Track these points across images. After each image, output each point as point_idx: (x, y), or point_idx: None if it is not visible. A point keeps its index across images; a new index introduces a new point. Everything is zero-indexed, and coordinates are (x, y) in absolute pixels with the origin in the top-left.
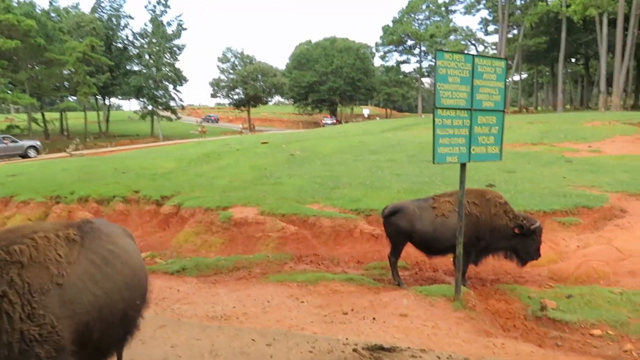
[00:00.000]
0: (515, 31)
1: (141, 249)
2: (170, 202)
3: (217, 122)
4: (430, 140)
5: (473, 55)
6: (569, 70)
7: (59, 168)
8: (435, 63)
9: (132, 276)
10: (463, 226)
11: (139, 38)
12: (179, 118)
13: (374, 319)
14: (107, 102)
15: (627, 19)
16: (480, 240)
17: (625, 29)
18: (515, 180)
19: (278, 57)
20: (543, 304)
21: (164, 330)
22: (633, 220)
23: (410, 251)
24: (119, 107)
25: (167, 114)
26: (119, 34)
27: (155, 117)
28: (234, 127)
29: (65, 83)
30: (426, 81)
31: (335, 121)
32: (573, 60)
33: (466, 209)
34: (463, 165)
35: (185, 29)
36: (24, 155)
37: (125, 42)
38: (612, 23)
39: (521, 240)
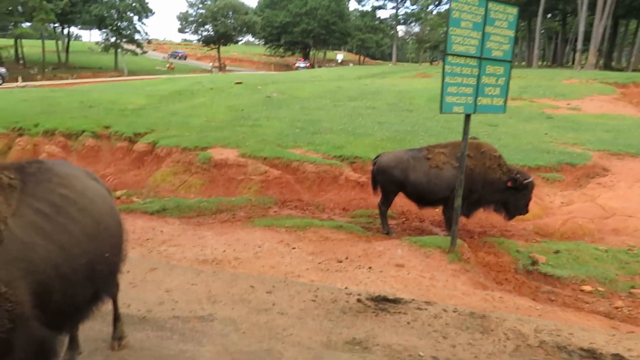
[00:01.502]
0: None
1: (115, 187)
2: (145, 139)
3: (184, 59)
4: (408, 89)
5: None
6: (544, 27)
7: (18, 98)
8: (449, 5)
9: (94, 225)
10: (463, 179)
11: None
12: (144, 52)
13: (370, 268)
14: (65, 31)
15: None
16: (473, 192)
17: None
18: (499, 135)
19: None
20: (534, 259)
21: (156, 274)
22: (615, 179)
23: (396, 201)
24: (78, 38)
25: (132, 47)
26: None
27: (119, 50)
28: (203, 65)
29: (19, 7)
30: (401, 29)
31: (308, 65)
32: (549, 15)
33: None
34: (468, 117)
35: None
36: None
37: None
38: None
39: (512, 195)
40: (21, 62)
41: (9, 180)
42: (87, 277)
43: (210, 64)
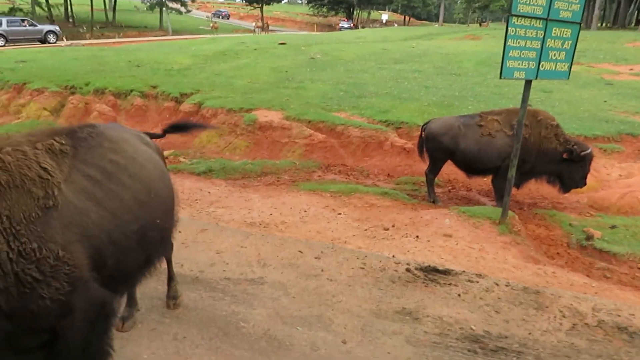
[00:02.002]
0: None
1: (162, 147)
2: (190, 100)
3: (227, 18)
4: (455, 51)
5: None
6: None
7: (69, 57)
8: None
9: (145, 191)
10: (519, 148)
11: None
12: (188, 11)
13: (417, 237)
14: None
15: None
16: (526, 163)
17: None
18: (553, 102)
19: None
20: (588, 233)
21: (206, 235)
22: None
23: (442, 168)
24: None
25: (177, 6)
26: None
27: (163, 8)
28: (245, 25)
29: None
30: None
31: (352, 25)
32: None
33: (514, 129)
34: (528, 83)
35: None
36: (43, 40)
37: None
38: None
39: (568, 166)
40: (71, 20)
41: (60, 146)
42: (138, 244)
43: (253, 23)
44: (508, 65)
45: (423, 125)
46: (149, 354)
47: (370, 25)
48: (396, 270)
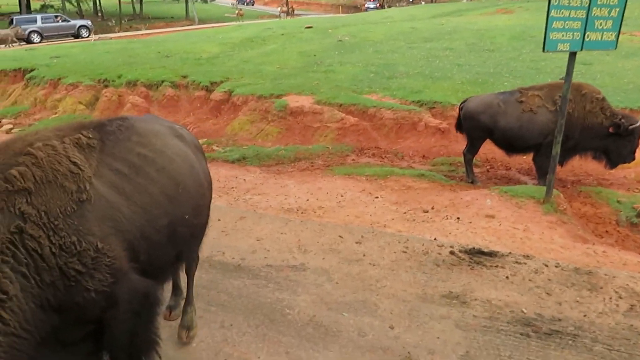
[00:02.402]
0: None
1: (195, 136)
2: (221, 88)
3: (252, 4)
4: (487, 27)
5: None
6: None
7: (101, 50)
8: None
9: (173, 186)
10: (563, 124)
11: None
12: (213, 0)
13: (458, 218)
14: None
15: None
16: (570, 139)
17: None
18: (594, 74)
19: None
20: (639, 210)
21: (245, 222)
22: None
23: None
24: None
25: None
26: None
27: None
28: (270, 11)
29: None
30: None
31: (378, 5)
32: None
33: (557, 104)
34: (573, 55)
35: None
36: (76, 35)
37: None
38: None
39: (615, 141)
40: (99, 14)
41: (87, 140)
42: (168, 239)
43: (278, 8)
44: (551, 37)
45: (460, 104)
46: (197, 342)
47: (397, 4)
48: (440, 254)
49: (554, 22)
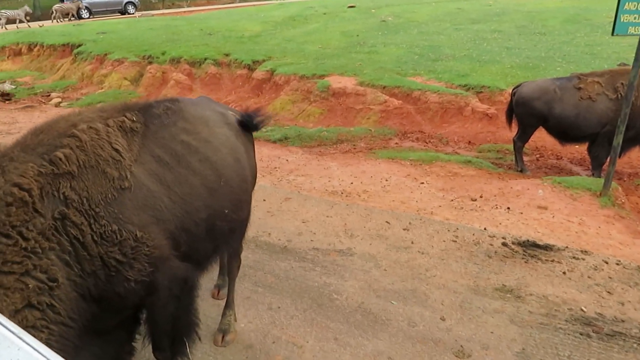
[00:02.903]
0: None
1: None
2: (263, 67)
3: None
4: (538, 8)
5: None
6: None
7: (145, 27)
8: None
9: (214, 178)
10: (628, 113)
11: None
12: None
13: (508, 208)
14: None
15: None
16: (630, 128)
17: None
18: None
19: None
20: None
21: (290, 204)
22: None
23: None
24: None
25: None
26: None
27: None
28: None
29: None
30: None
31: None
32: None
33: (618, 92)
34: None
35: None
36: (123, 12)
37: None
38: None
39: None
40: None
41: (131, 124)
42: (207, 233)
43: None
44: (622, 20)
45: (513, 89)
46: (245, 322)
47: None
48: (491, 245)
49: (626, 4)
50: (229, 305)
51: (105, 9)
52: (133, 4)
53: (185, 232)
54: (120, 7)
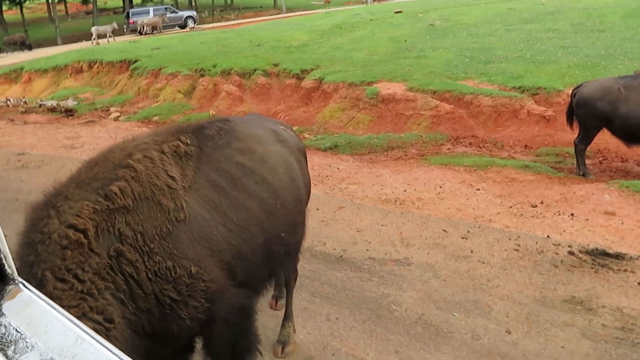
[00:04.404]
0: None
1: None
2: (311, 76)
3: None
4: (595, 4)
5: None
6: None
7: (196, 41)
8: None
9: (272, 200)
10: None
11: None
12: None
13: (572, 215)
14: None
15: None
16: None
17: None
18: None
19: None
20: None
21: (344, 212)
22: None
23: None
24: None
25: None
26: None
27: None
28: None
29: None
30: None
31: None
32: None
33: None
34: None
35: None
36: (183, 26)
37: None
38: None
39: None
40: (193, 4)
41: (185, 148)
42: (264, 259)
43: None
44: None
45: (573, 90)
46: (304, 333)
47: None
48: (557, 253)
49: None
50: (287, 316)
51: (169, 24)
52: (192, 18)
53: (242, 260)
54: (180, 22)
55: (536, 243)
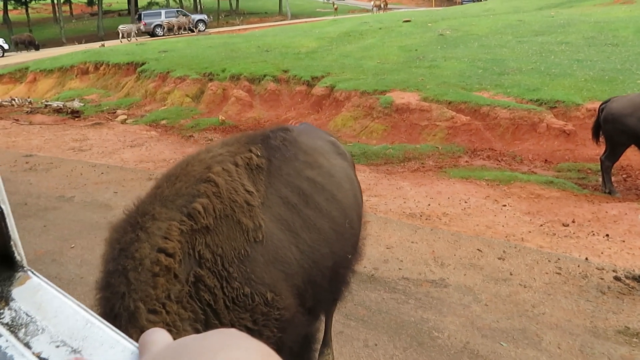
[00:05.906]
0: None
1: None
2: (322, 83)
3: None
4: (607, 18)
5: None
6: None
7: (204, 45)
8: None
9: (341, 218)
10: None
11: None
12: None
13: (607, 235)
14: None
15: None
16: None
17: None
18: None
19: None
20: None
21: (370, 227)
22: None
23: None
24: None
25: None
26: None
27: None
28: (361, 5)
29: None
30: None
31: None
32: None
33: None
34: None
35: None
36: (192, 29)
37: None
38: None
39: None
40: (199, 9)
41: (257, 160)
42: (330, 282)
43: (372, 2)
44: None
45: (601, 105)
46: None
47: None
48: (602, 279)
49: None
50: (326, 342)
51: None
52: (203, 21)
53: (312, 285)
54: (192, 25)
55: (578, 266)
